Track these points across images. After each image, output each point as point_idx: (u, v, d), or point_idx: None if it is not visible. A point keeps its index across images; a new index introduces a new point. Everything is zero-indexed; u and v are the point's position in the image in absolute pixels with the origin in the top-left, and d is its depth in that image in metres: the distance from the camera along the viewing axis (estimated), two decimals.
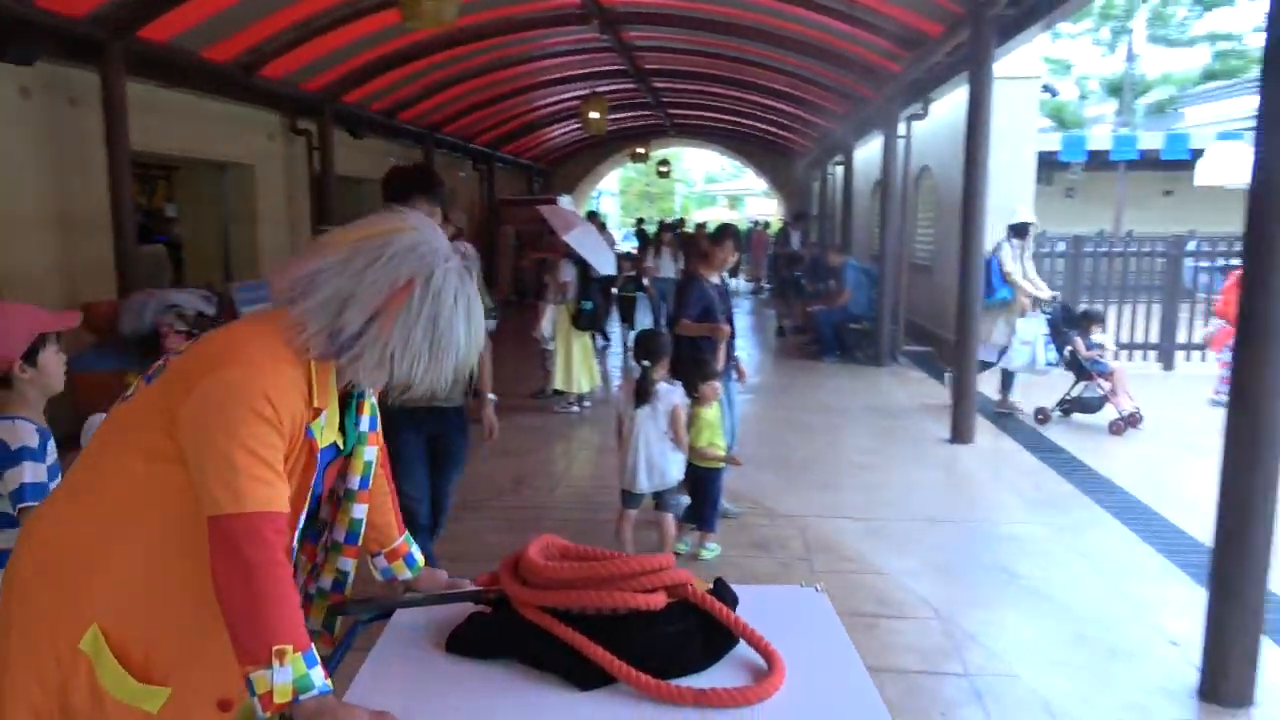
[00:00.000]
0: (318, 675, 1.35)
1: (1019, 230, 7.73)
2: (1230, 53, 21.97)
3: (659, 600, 1.62)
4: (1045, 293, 7.64)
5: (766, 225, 22.79)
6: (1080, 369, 7.27)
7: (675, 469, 4.26)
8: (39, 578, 1.48)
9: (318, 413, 1.51)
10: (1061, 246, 10.28)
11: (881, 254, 10.49)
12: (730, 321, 5.15)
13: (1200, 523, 3.67)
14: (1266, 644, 3.24)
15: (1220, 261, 11.49)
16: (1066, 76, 23.33)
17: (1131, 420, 7.09)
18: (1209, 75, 23.65)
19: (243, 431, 1.38)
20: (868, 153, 13.29)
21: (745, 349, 11.19)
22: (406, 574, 1.86)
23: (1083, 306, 8.54)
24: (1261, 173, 2.80)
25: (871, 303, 10.61)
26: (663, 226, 15.36)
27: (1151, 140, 17.20)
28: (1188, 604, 3.86)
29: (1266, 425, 2.87)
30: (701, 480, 4.52)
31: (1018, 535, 4.89)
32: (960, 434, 6.80)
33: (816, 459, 6.44)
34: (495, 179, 16.99)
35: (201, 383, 1.42)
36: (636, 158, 20.49)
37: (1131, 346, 10.12)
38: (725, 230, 5.29)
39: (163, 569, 1.46)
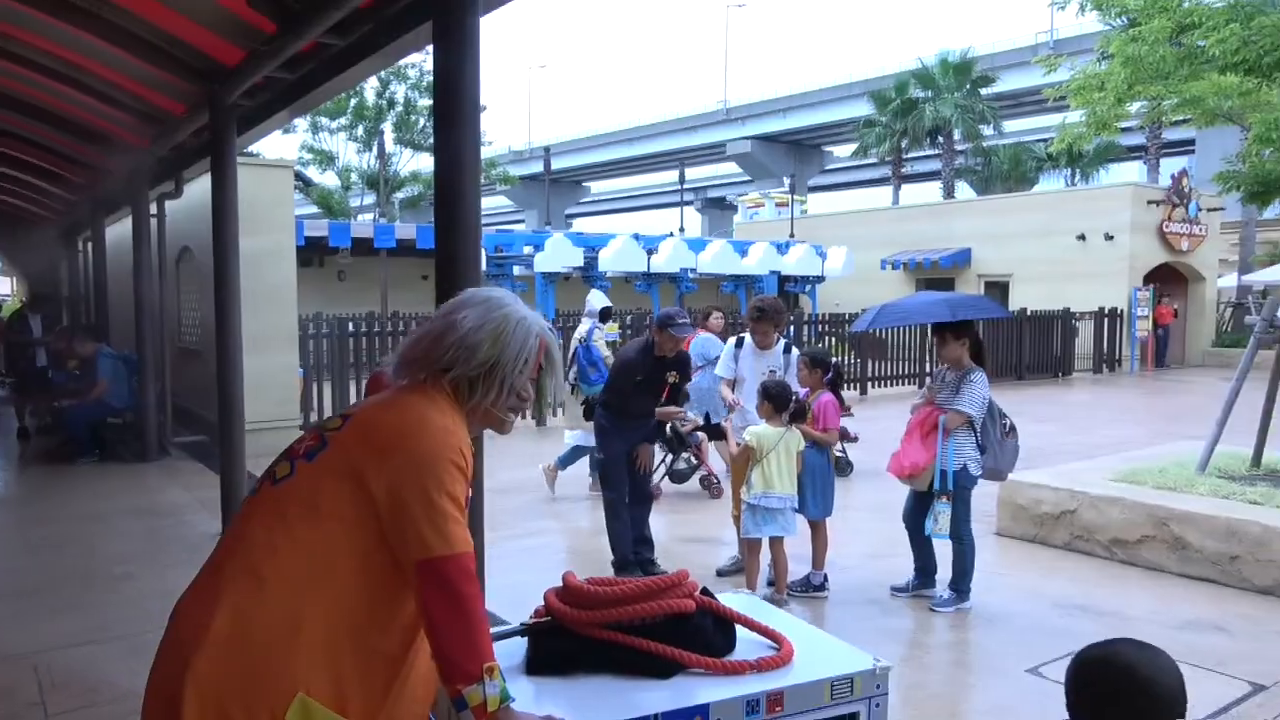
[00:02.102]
0: (508, 686, 1.61)
1: (605, 314, 8.05)
2: None
3: (691, 605, 2.07)
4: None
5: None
6: (682, 443, 7.77)
7: None
8: (225, 669, 1.54)
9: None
10: (326, 329, 10.77)
11: (140, 338, 9.68)
12: None
13: None
14: None
15: None
16: (331, 168, 24.85)
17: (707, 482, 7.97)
18: None
19: (447, 481, 1.63)
20: (125, 230, 12.21)
21: None
22: None
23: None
24: (440, 262, 3.32)
25: (133, 392, 9.69)
26: None
27: (407, 230, 19.29)
28: None
29: None
30: None
31: None
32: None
33: (66, 579, 5.57)
34: None
35: (402, 446, 1.65)
36: None
37: None
38: None
39: (356, 624, 1.61)
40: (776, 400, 4.97)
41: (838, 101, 47.00)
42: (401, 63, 22.91)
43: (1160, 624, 4.80)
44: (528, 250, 18.27)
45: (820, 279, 23.31)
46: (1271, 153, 6.22)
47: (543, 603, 2.12)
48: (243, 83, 5.96)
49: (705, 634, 2.06)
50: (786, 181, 32.08)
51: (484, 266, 17.77)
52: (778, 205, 33.61)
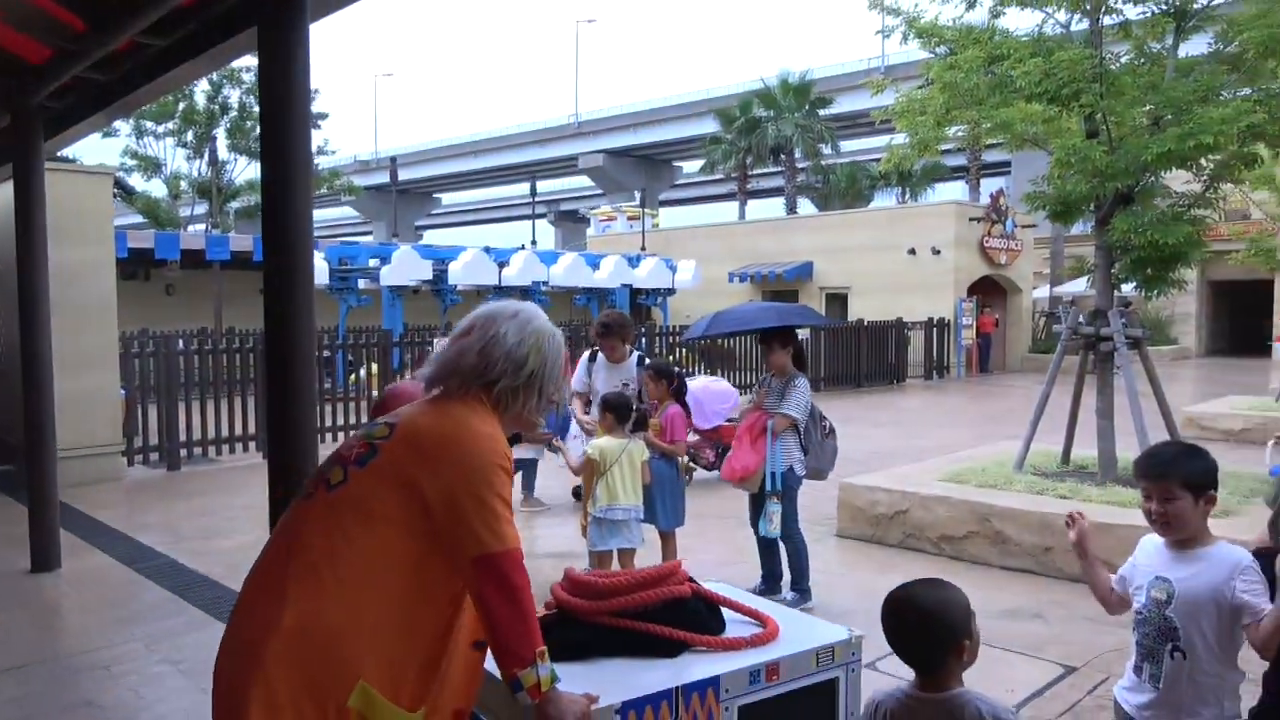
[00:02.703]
0: (554, 668, 1.84)
1: None
2: None
3: (687, 590, 2.34)
4: None
5: None
6: None
7: None
8: (294, 661, 1.70)
9: None
10: (152, 347, 10.09)
11: None
12: None
13: None
14: None
15: (325, 353, 12.84)
16: (158, 176, 23.34)
17: None
18: None
19: (496, 484, 1.83)
20: None
21: None
22: None
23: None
24: (268, 276, 3.18)
25: None
26: None
27: (242, 242, 18.33)
28: None
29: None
30: None
31: (106, 661, 4.52)
32: (44, 561, 6.04)
33: None
34: None
35: (450, 453, 1.83)
36: None
37: (233, 440, 10.48)
38: None
39: (405, 617, 1.79)
40: (617, 412, 5.01)
41: (686, 118, 48.06)
42: (236, 65, 21.82)
43: (984, 614, 5.07)
44: (374, 263, 17.70)
45: (671, 291, 23.72)
46: (1072, 175, 6.78)
47: (550, 597, 2.40)
48: (50, 83, 5.53)
49: (701, 616, 2.34)
50: (638, 195, 32.55)
51: (326, 280, 17.15)
52: (629, 219, 34.04)
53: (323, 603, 1.74)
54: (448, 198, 72.66)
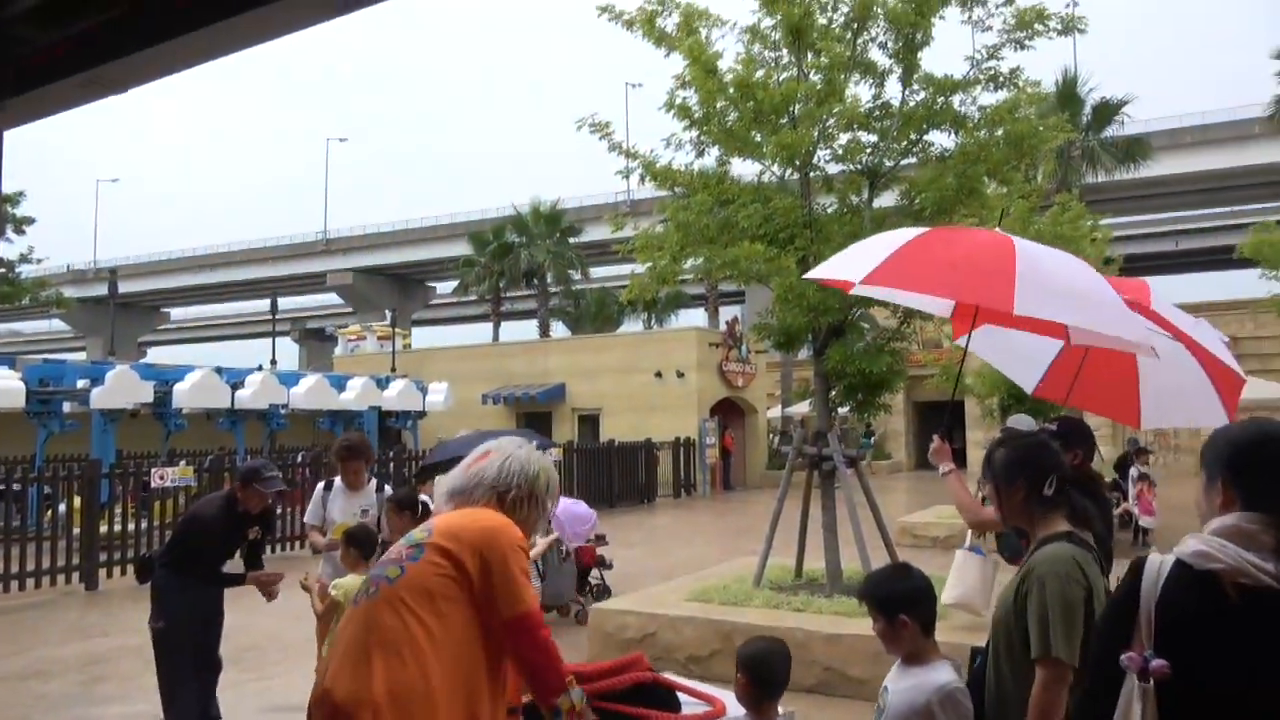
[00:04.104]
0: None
1: None
2: None
3: (650, 676, 3.04)
4: None
5: None
6: None
7: None
8: None
9: None
10: None
11: None
12: None
13: None
14: None
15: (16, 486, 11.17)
16: None
17: None
18: None
19: (521, 559, 2.32)
20: None
21: None
22: None
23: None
24: None
25: None
26: None
27: None
28: None
29: None
30: None
31: None
32: None
33: None
34: None
35: (486, 538, 2.31)
36: None
37: None
38: None
39: (473, 673, 2.22)
40: (362, 546, 4.74)
41: (440, 240, 48.25)
42: None
43: None
44: (83, 384, 15.89)
45: (422, 414, 23.17)
46: (791, 309, 7.45)
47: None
48: None
49: (660, 697, 2.91)
50: (389, 314, 31.88)
51: (22, 403, 15.14)
52: (380, 338, 33.12)
53: (405, 673, 2.12)
54: (179, 312, 67.55)
